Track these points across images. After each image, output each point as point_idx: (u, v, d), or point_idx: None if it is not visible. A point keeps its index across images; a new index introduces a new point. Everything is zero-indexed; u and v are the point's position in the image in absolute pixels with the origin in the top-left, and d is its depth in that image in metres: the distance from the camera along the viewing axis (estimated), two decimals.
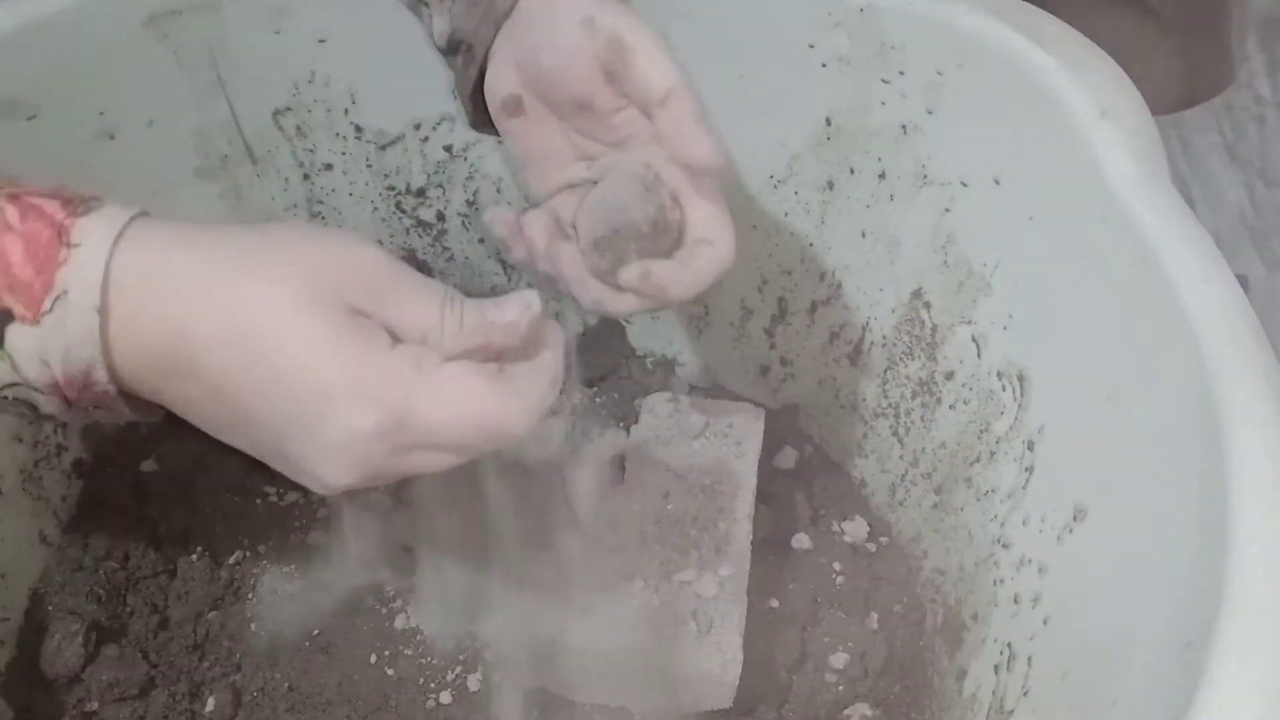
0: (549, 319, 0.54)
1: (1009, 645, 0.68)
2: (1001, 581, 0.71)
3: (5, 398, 0.48)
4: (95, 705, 0.73)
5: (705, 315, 0.92)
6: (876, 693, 0.78)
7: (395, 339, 0.49)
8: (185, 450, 0.84)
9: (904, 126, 0.73)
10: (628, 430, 0.82)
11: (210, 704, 0.74)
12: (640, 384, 0.93)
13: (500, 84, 0.64)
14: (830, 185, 0.80)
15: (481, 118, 0.67)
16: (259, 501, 0.82)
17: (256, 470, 0.83)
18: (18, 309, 0.46)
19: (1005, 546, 0.71)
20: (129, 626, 0.77)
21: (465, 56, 0.65)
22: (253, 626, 0.77)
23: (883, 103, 0.74)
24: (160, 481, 0.82)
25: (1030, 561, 0.67)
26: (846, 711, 0.76)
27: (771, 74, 0.76)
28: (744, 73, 0.77)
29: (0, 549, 0.75)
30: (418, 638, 0.77)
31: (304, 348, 0.47)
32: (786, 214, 0.83)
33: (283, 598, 0.78)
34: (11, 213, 0.46)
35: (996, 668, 0.68)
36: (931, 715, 0.77)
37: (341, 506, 0.81)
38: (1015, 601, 0.68)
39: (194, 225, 0.49)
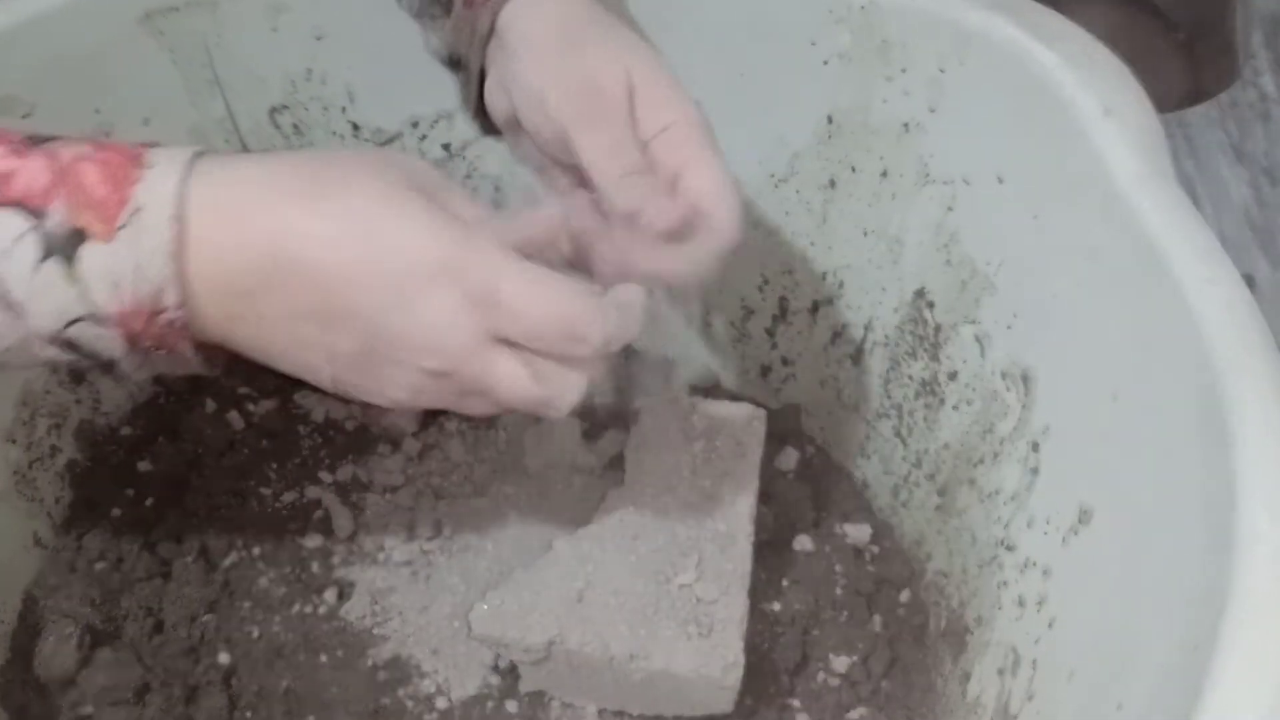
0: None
1: (1013, 649, 0.67)
2: (1005, 584, 0.70)
3: (70, 341, 0.48)
4: (90, 709, 0.73)
5: (706, 315, 0.92)
6: (879, 696, 0.78)
7: None
8: (180, 452, 0.84)
9: (906, 124, 0.73)
10: (628, 430, 0.82)
11: (206, 707, 0.73)
12: (640, 384, 0.93)
13: (497, 102, 0.66)
14: (832, 184, 0.79)
15: (488, 126, 0.68)
16: (254, 503, 0.82)
17: (252, 471, 0.84)
18: (92, 226, 0.47)
19: (1009, 549, 0.70)
20: (123, 629, 0.76)
21: (463, 74, 0.67)
22: (248, 629, 0.77)
23: (885, 100, 0.74)
24: (155, 483, 0.82)
25: (1035, 564, 0.67)
26: (849, 715, 0.76)
27: (773, 72, 0.76)
28: (745, 71, 0.77)
29: None
30: (415, 641, 0.76)
31: (400, 225, 0.49)
32: (788, 213, 0.83)
33: (279, 599, 0.78)
34: (87, 146, 0.48)
35: (1000, 671, 0.68)
36: (935, 719, 0.77)
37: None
38: (1019, 604, 0.68)
39: (252, 153, 0.51)
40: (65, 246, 0.47)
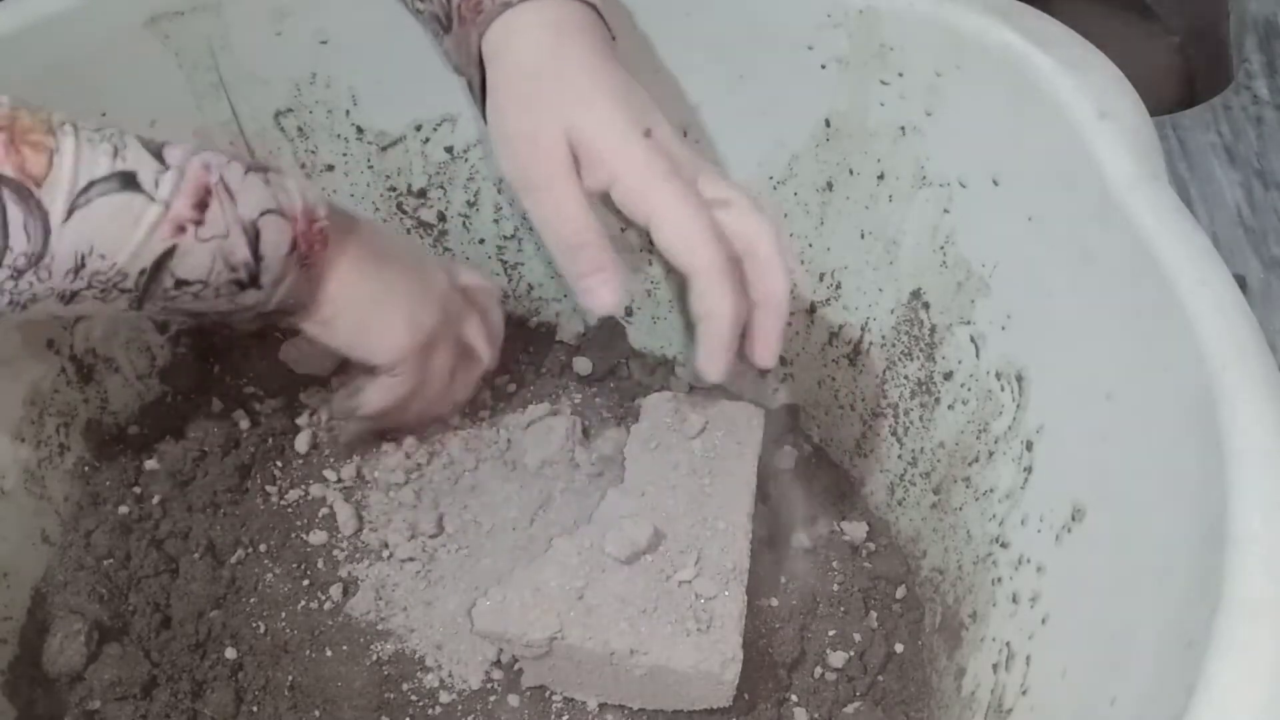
0: None
1: (1008, 644, 0.68)
2: (1000, 581, 0.71)
3: (258, 232, 0.64)
4: (97, 704, 0.73)
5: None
6: (875, 691, 0.78)
7: None
8: (186, 451, 0.84)
9: (903, 128, 0.74)
10: (628, 430, 0.82)
11: (212, 702, 0.74)
12: (640, 384, 0.93)
13: None
14: (829, 186, 0.80)
15: None
16: (259, 501, 0.83)
17: (257, 470, 0.84)
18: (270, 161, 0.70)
19: (1004, 546, 0.71)
20: (131, 625, 0.77)
21: (472, 93, 0.70)
22: (254, 625, 0.77)
23: (882, 104, 0.74)
24: (162, 481, 0.83)
25: (1029, 561, 0.68)
26: (845, 710, 0.76)
27: (771, 75, 0.76)
28: (743, 73, 0.77)
29: (2, 548, 0.75)
30: (418, 636, 0.77)
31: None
32: (786, 215, 0.83)
33: (284, 595, 0.79)
34: None
35: (995, 666, 0.69)
36: (930, 714, 0.77)
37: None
38: (1014, 601, 0.68)
39: None
40: (262, 170, 0.65)
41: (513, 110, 0.65)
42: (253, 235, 0.63)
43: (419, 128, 0.85)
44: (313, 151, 0.85)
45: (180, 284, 0.62)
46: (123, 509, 0.81)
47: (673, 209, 0.63)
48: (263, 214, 0.63)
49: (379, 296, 0.71)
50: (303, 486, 0.84)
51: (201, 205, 0.61)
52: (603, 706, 0.75)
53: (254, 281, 0.65)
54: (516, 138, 0.65)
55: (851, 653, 0.78)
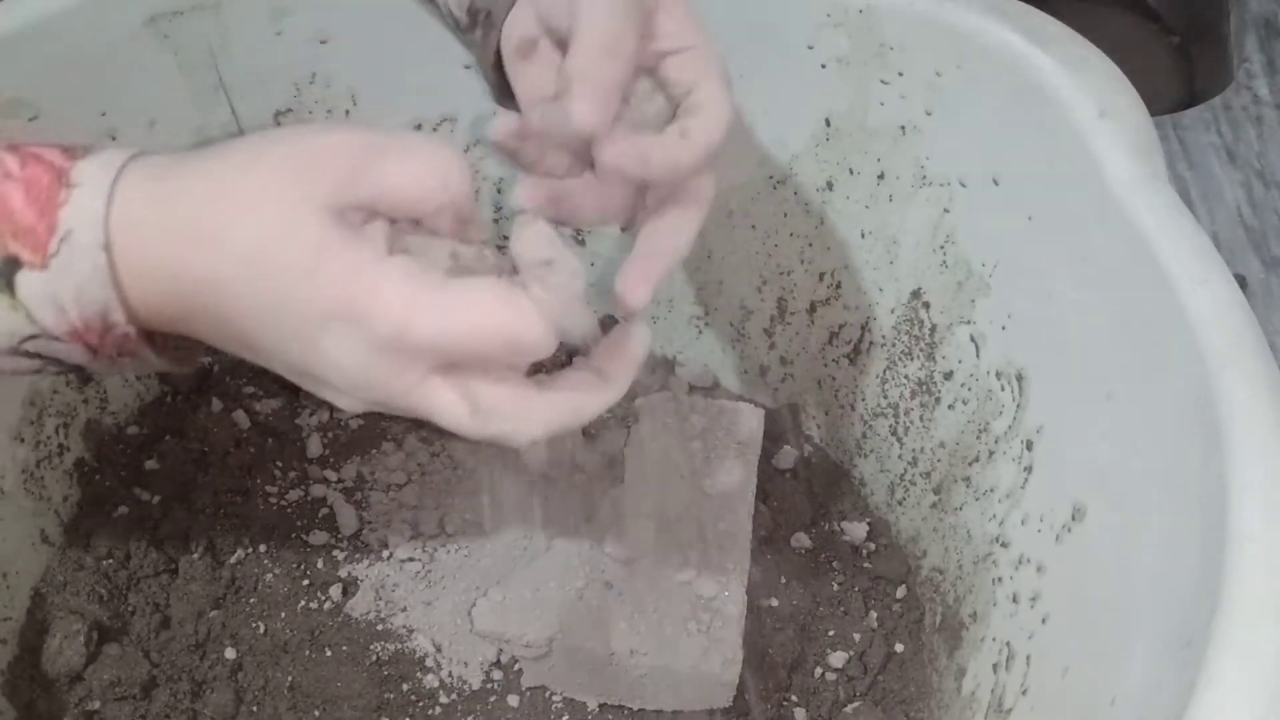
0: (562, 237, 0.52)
1: (1008, 644, 0.68)
2: (1000, 580, 0.71)
3: (30, 353, 0.47)
4: (97, 704, 0.73)
5: (705, 315, 0.92)
6: (875, 691, 0.78)
7: (397, 228, 0.47)
8: (186, 451, 0.84)
9: (903, 127, 0.74)
10: (628, 430, 0.82)
11: (212, 702, 0.74)
12: (640, 384, 0.93)
13: (517, 28, 0.60)
14: (829, 185, 0.80)
15: (505, 91, 0.62)
16: (260, 501, 0.83)
17: (257, 470, 0.84)
18: (24, 254, 0.44)
19: (1004, 546, 0.71)
20: (130, 625, 0.77)
21: (485, 26, 0.61)
22: (254, 625, 0.77)
23: (882, 103, 0.74)
24: (161, 482, 0.83)
25: (1029, 561, 0.68)
26: (846, 710, 0.76)
27: (771, 75, 0.76)
28: (744, 73, 0.76)
29: (2, 548, 0.75)
30: (418, 636, 0.77)
31: (291, 274, 0.44)
32: (786, 214, 0.83)
33: (284, 596, 0.79)
34: (11, 161, 0.46)
35: (995, 666, 0.69)
36: (930, 714, 0.77)
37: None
38: (1014, 600, 0.68)
39: (182, 156, 0.47)
40: (2, 274, 0.45)
41: None
42: (26, 354, 0.47)
43: (419, 127, 0.85)
44: None
45: None
46: (122, 509, 0.81)
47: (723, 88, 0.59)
48: (22, 341, 0.46)
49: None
50: (303, 487, 0.84)
51: None
52: (603, 707, 0.75)
53: (82, 371, 0.50)
54: None
55: (851, 653, 0.78)
